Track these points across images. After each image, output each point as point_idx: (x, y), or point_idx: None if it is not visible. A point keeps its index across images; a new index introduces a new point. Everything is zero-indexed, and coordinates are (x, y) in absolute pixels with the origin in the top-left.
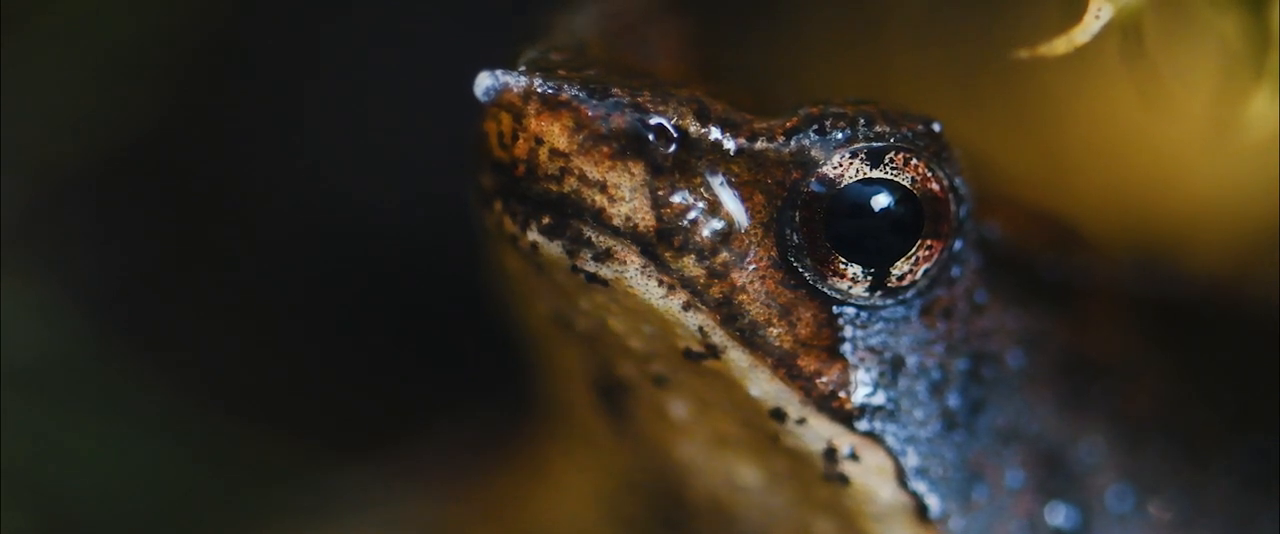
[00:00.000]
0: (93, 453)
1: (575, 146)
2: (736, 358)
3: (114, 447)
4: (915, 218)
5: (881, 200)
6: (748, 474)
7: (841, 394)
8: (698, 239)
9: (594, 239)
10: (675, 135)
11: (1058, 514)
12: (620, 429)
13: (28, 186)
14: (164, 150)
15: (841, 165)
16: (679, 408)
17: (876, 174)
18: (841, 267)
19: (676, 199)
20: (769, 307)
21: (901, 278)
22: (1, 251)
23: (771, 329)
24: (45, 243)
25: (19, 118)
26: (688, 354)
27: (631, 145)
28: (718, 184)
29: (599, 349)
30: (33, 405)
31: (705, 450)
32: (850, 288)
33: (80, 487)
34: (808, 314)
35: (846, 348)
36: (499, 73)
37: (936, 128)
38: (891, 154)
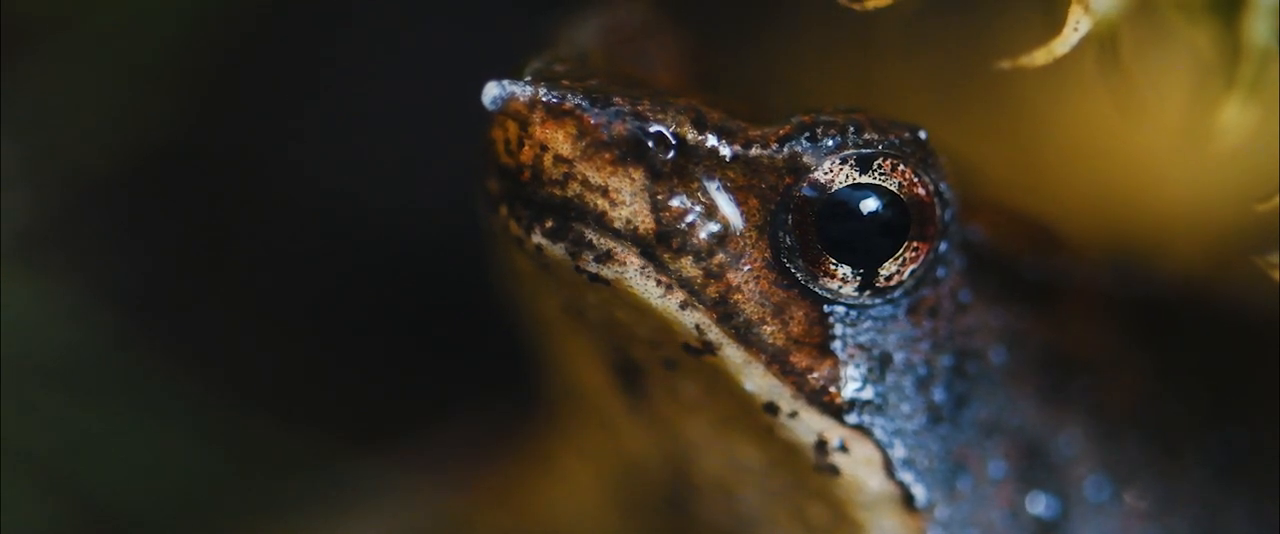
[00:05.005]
0: (119, 445)
1: (578, 153)
2: (732, 354)
3: (139, 439)
4: (902, 221)
5: (870, 204)
6: (750, 455)
7: (832, 389)
8: (695, 241)
9: (596, 241)
10: (673, 142)
11: (1038, 503)
12: (637, 406)
13: (59, 190)
14: (189, 156)
15: (832, 171)
16: (690, 388)
17: (865, 179)
18: (832, 267)
19: (675, 203)
20: (763, 305)
21: (889, 278)
22: (29, 253)
23: (765, 327)
24: (76, 244)
25: (52, 124)
26: (687, 349)
27: (632, 152)
28: (714, 189)
29: (613, 335)
30: (63, 400)
31: (713, 430)
32: (840, 288)
33: (108, 477)
34: (800, 313)
35: (837, 345)
36: (505, 83)
37: (922, 135)
38: (880, 160)
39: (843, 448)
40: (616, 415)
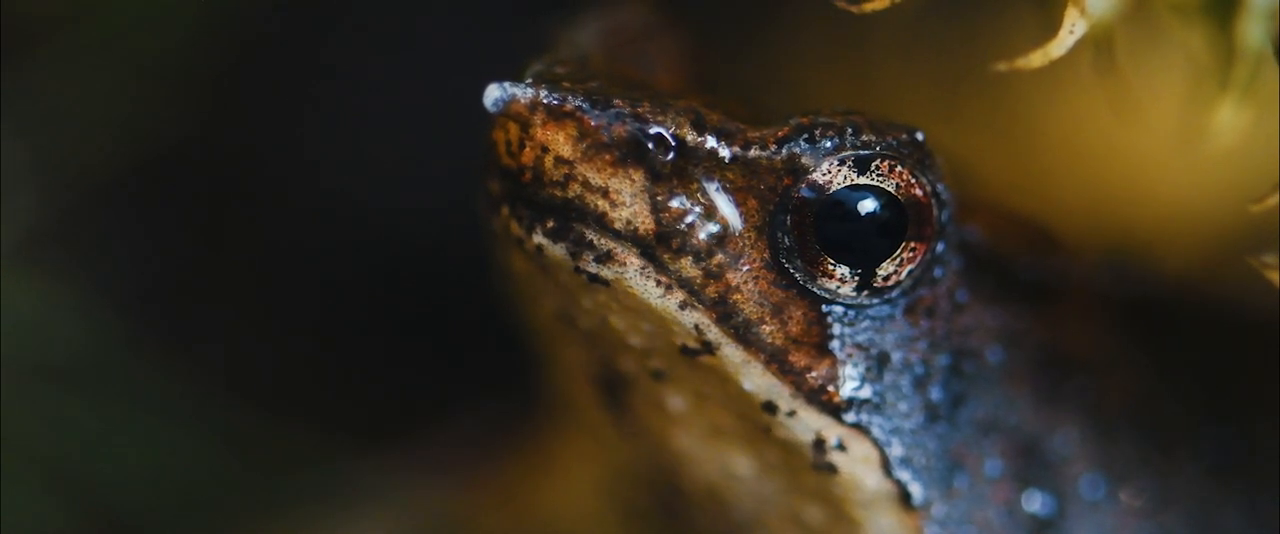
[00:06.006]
0: (120, 445)
1: (579, 154)
2: (731, 354)
3: (140, 439)
4: (900, 221)
5: (868, 205)
6: (741, 463)
7: (830, 388)
8: (694, 242)
9: (596, 242)
10: (673, 144)
11: (1034, 501)
12: (620, 421)
13: (62, 191)
14: (190, 157)
15: (830, 172)
16: (676, 401)
17: (863, 180)
18: (830, 267)
19: (674, 204)
20: (762, 305)
21: (887, 278)
22: (31, 253)
23: (764, 327)
24: (78, 245)
25: (58, 125)
26: (684, 350)
27: (632, 153)
28: (713, 190)
29: (600, 345)
30: (68, 400)
31: (701, 441)
32: (839, 288)
33: (108, 477)
34: (798, 312)
35: (835, 344)
36: (507, 85)
37: (920, 136)
38: (877, 161)
39: (840, 446)
40: (600, 427)
